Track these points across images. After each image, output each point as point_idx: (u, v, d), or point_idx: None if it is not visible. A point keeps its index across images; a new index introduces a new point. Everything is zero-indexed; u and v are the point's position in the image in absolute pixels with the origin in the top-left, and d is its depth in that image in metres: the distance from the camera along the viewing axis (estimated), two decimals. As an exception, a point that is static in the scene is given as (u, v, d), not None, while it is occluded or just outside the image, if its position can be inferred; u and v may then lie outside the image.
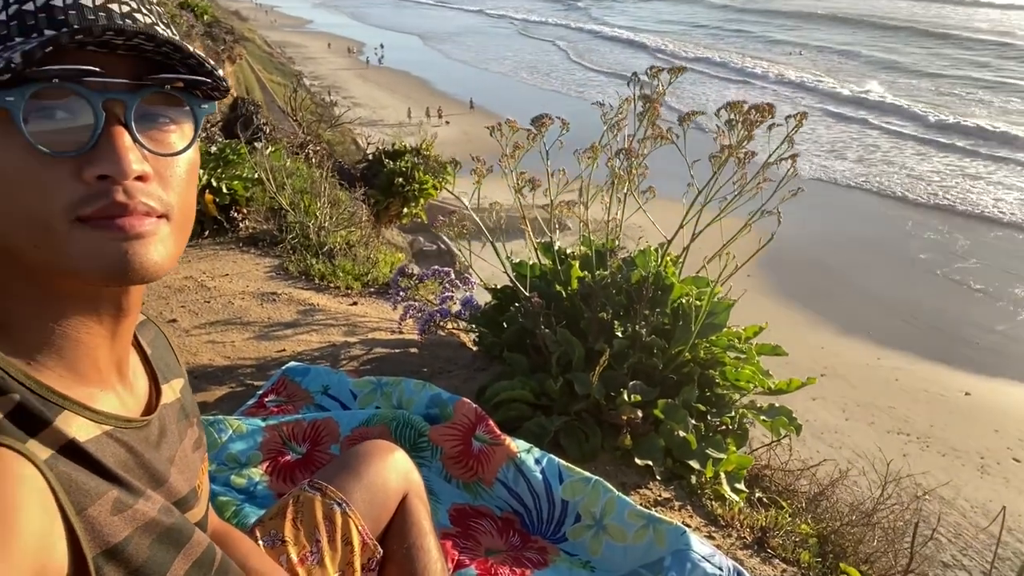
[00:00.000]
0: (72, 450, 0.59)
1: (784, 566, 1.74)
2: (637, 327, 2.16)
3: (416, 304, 2.72)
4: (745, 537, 1.81)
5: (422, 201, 6.55)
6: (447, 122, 18.46)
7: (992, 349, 8.48)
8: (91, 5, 0.58)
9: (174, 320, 2.78)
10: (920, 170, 15.07)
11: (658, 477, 1.98)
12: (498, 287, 2.57)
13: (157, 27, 0.62)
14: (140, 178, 0.59)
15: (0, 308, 0.62)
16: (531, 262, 2.47)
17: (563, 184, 2.30)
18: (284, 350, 2.57)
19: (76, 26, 0.56)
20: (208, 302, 2.95)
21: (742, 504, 1.96)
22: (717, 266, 2.16)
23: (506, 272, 2.42)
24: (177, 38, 0.62)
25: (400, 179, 6.34)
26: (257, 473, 1.78)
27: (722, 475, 2.02)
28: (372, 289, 3.31)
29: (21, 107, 0.55)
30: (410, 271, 2.82)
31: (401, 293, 2.78)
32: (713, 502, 1.93)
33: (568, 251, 2.53)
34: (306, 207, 3.93)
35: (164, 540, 0.65)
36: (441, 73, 26.38)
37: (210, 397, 2.22)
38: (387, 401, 2.10)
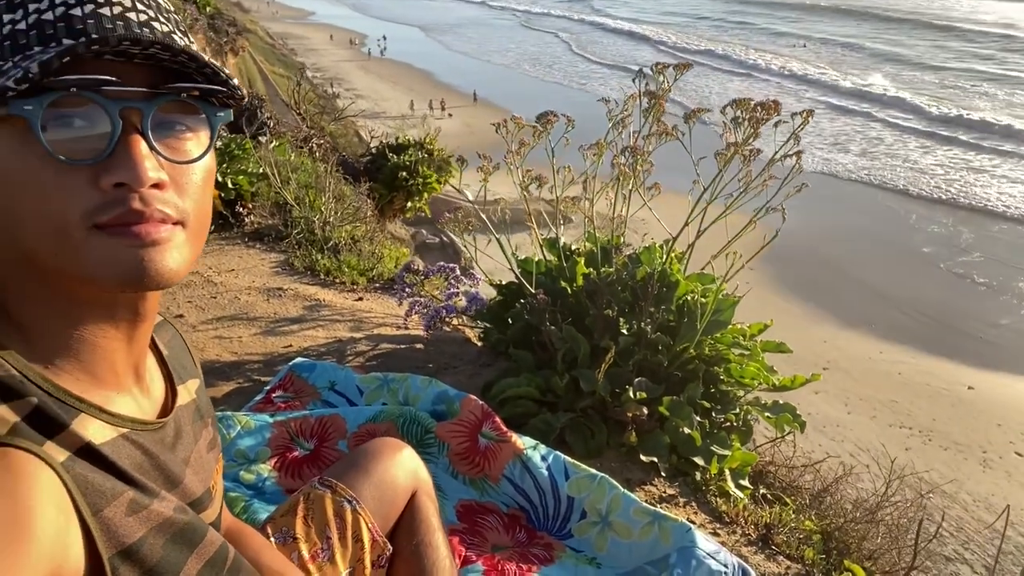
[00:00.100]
0: (88, 452, 0.60)
1: (788, 563, 1.75)
2: (642, 324, 2.16)
3: (422, 300, 2.73)
4: (750, 534, 1.82)
5: (426, 195, 6.55)
6: (450, 115, 18.43)
7: (995, 343, 8.47)
8: (109, 14, 0.59)
9: (181, 315, 2.79)
10: (924, 163, 15.03)
11: (663, 473, 1.99)
12: (503, 283, 2.57)
13: (174, 35, 0.63)
14: (156, 186, 0.60)
15: (19, 313, 0.62)
16: (536, 259, 2.47)
17: (568, 181, 2.30)
18: (290, 346, 2.58)
19: (94, 35, 0.57)
20: (214, 297, 2.96)
21: (746, 501, 1.97)
22: (721, 262, 2.17)
23: (511, 268, 2.43)
24: (194, 47, 0.62)
25: (404, 173, 6.34)
26: (265, 469, 1.79)
27: (727, 472, 2.03)
28: (377, 284, 3.32)
29: (39, 116, 0.55)
30: (416, 267, 2.82)
31: (407, 289, 2.79)
32: (718, 499, 1.94)
33: (573, 247, 2.53)
34: (311, 202, 3.93)
35: (177, 540, 0.66)
36: (443, 65, 26.31)
37: (217, 392, 2.24)
38: (393, 397, 2.11)
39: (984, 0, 38.08)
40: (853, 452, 5.58)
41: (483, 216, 2.42)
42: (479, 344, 2.67)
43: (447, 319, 2.64)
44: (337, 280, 3.28)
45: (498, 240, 2.40)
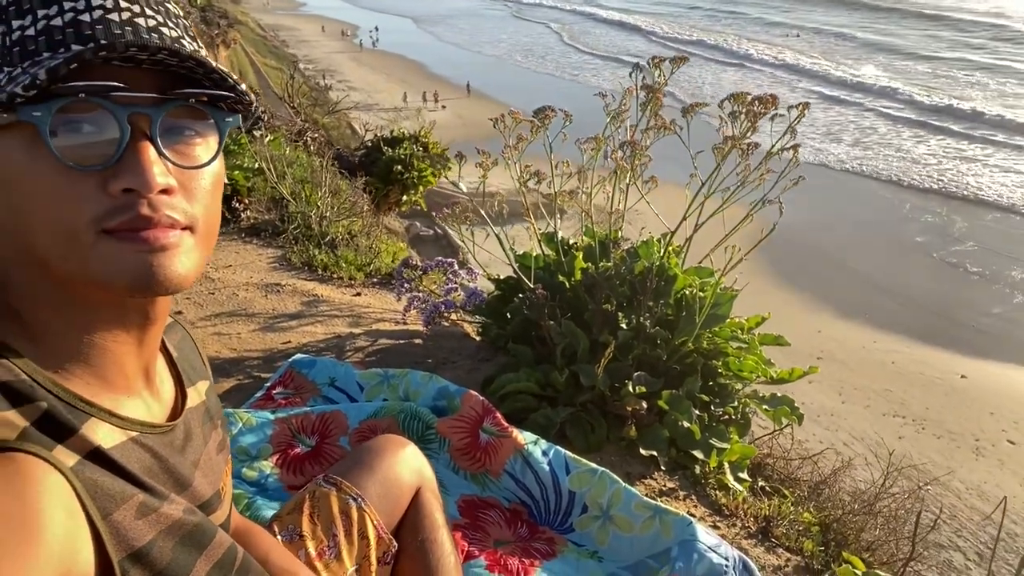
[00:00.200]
0: (98, 456, 0.60)
1: (788, 555, 1.76)
2: (641, 318, 2.17)
3: (420, 295, 2.73)
4: (749, 526, 1.84)
5: (421, 189, 6.53)
6: (443, 106, 18.37)
7: (988, 332, 8.54)
8: (118, 20, 0.58)
9: (179, 312, 2.78)
10: (917, 153, 15.08)
11: (663, 467, 2.00)
12: (501, 278, 2.57)
13: (183, 40, 0.63)
14: (165, 191, 0.60)
15: (30, 317, 0.62)
16: (534, 253, 2.47)
17: (567, 176, 2.30)
18: (289, 342, 2.58)
19: (102, 41, 0.57)
20: (212, 293, 2.95)
21: (745, 493, 1.99)
22: (719, 255, 2.17)
23: (510, 263, 2.43)
24: (202, 53, 0.62)
25: (399, 167, 6.32)
26: (268, 466, 1.79)
27: (726, 465, 2.04)
28: (375, 279, 3.31)
29: (48, 122, 0.56)
30: (414, 263, 2.82)
31: (406, 284, 2.79)
32: (717, 491, 1.95)
33: (571, 241, 2.53)
34: (307, 197, 3.92)
35: (187, 542, 0.66)
36: (436, 56, 26.22)
37: (218, 389, 2.23)
38: (394, 393, 2.11)
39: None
40: (847, 441, 5.63)
41: (481, 211, 2.42)
42: (478, 339, 2.68)
43: (446, 314, 2.64)
44: (335, 275, 3.28)
45: (496, 235, 2.40)
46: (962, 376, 7.51)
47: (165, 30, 0.61)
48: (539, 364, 2.21)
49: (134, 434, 0.65)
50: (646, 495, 1.78)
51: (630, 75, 2.30)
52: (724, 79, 21.84)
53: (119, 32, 0.58)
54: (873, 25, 30.53)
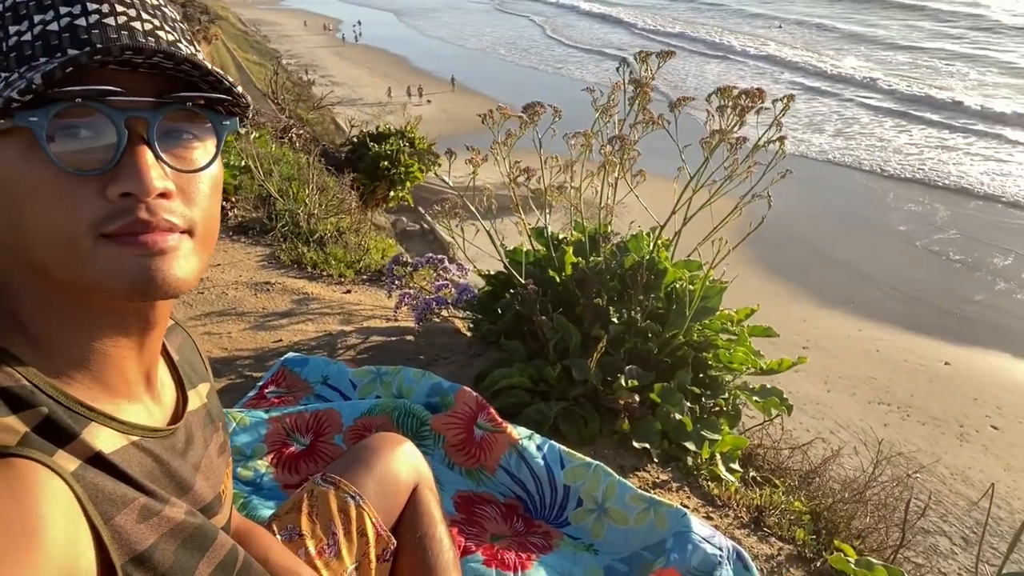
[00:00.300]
0: (98, 461, 0.60)
1: (780, 544, 1.79)
2: (632, 312, 2.18)
3: (411, 292, 2.73)
4: (742, 516, 1.86)
5: (408, 184, 6.51)
6: (428, 101, 18.29)
7: (971, 319, 8.65)
8: (114, 24, 0.58)
9: (168, 312, 2.76)
10: (899, 143, 15.21)
11: (655, 459, 2.02)
12: (491, 273, 2.58)
13: (180, 44, 0.62)
14: (163, 195, 0.60)
15: (30, 322, 0.62)
16: (524, 248, 2.48)
17: (556, 172, 2.31)
18: (281, 340, 2.57)
19: (98, 45, 0.57)
20: (202, 293, 2.93)
21: (737, 484, 2.01)
22: (707, 247, 2.19)
23: (500, 259, 2.43)
24: (199, 56, 0.62)
25: (386, 162, 6.29)
26: (263, 465, 1.79)
27: (717, 456, 2.06)
28: (365, 276, 3.30)
29: (44, 127, 0.55)
30: (404, 259, 2.82)
31: (396, 281, 2.78)
32: (709, 483, 1.97)
33: (561, 236, 2.54)
34: (295, 194, 3.90)
35: (189, 544, 0.66)
36: (419, 50, 26.12)
37: (210, 389, 2.22)
38: (387, 390, 2.11)
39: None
40: (834, 429, 5.69)
41: (472, 207, 2.42)
42: (469, 335, 2.68)
43: (437, 311, 2.64)
44: (324, 273, 3.27)
45: (487, 231, 2.40)
46: (946, 363, 7.62)
47: (161, 34, 0.61)
48: (531, 359, 2.22)
49: (135, 438, 0.65)
50: (639, 487, 1.80)
51: (617, 70, 2.30)
52: (707, 71, 21.91)
53: (115, 36, 0.58)
54: (854, 16, 30.72)
